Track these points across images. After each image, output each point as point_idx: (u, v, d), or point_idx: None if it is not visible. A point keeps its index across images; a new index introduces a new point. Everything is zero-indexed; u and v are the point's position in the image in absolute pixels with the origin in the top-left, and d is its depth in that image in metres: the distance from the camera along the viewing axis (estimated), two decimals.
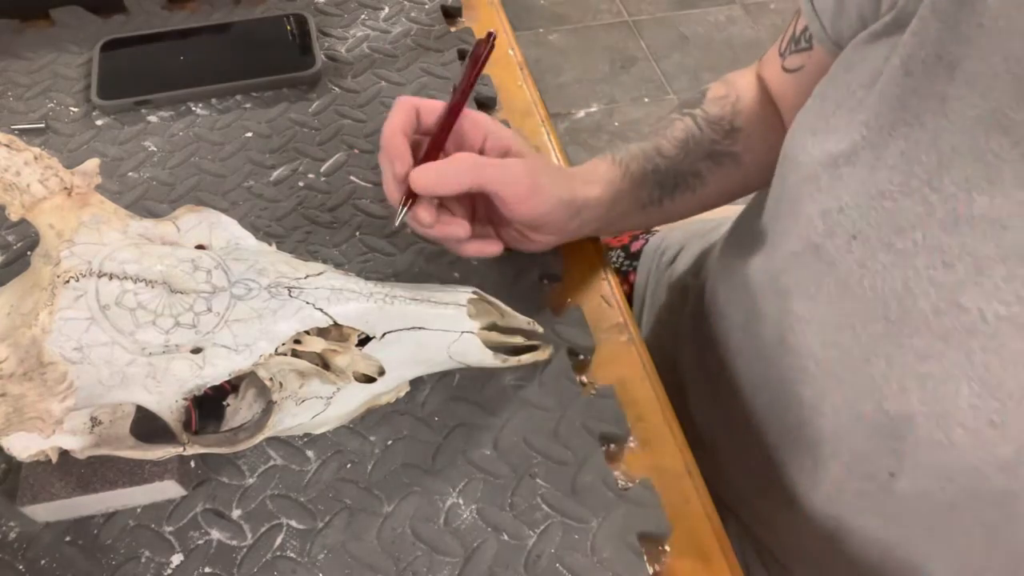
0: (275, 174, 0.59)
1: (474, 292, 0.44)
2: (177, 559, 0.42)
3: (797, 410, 0.50)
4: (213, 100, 0.64)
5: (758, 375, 0.54)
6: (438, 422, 0.47)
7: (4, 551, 0.42)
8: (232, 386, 0.44)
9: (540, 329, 0.47)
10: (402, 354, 0.43)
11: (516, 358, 0.45)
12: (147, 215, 0.52)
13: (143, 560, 0.42)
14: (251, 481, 0.44)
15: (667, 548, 0.43)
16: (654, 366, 0.51)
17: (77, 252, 0.38)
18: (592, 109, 1.91)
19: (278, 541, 0.43)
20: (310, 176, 0.59)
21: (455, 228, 0.46)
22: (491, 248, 0.49)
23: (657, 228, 0.79)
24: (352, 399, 0.44)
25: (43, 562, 0.42)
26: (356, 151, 0.61)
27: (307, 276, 0.41)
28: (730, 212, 0.65)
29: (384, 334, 0.42)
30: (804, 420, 0.49)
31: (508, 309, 0.45)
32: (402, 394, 0.47)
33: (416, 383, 0.47)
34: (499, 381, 0.48)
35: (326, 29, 0.69)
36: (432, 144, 0.47)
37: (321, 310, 0.40)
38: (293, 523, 0.43)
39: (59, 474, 0.41)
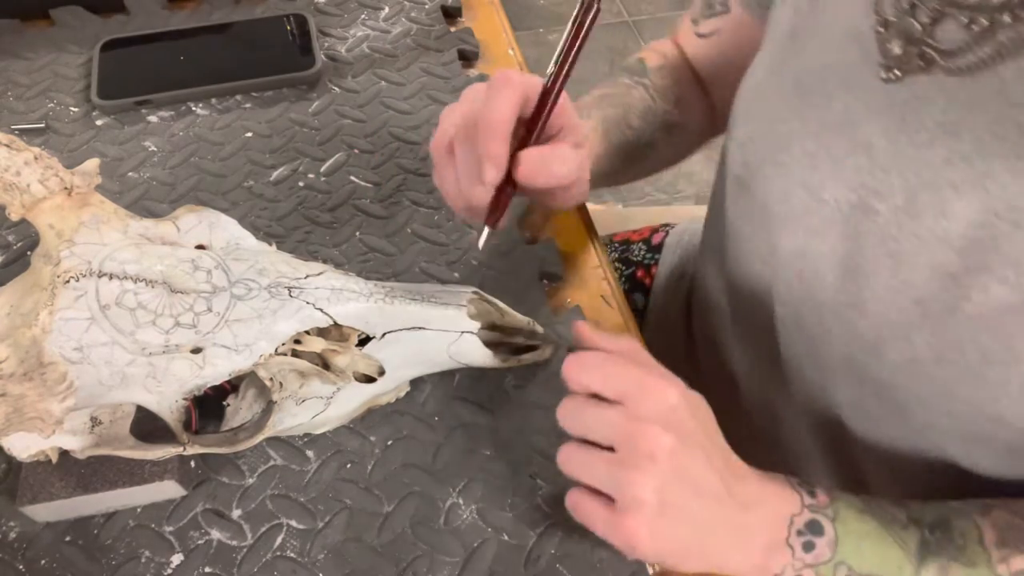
0: (275, 174, 0.59)
1: (474, 292, 0.44)
2: (177, 559, 0.42)
3: (768, 335, 0.53)
4: (213, 100, 0.64)
5: (717, 325, 0.59)
6: (438, 422, 0.47)
7: (4, 551, 0.42)
8: (232, 386, 0.44)
9: (540, 329, 0.47)
10: (402, 354, 0.43)
11: (516, 358, 0.45)
12: (147, 215, 0.52)
13: (143, 560, 0.42)
14: (251, 481, 0.44)
15: None
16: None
17: (77, 252, 0.38)
18: None
19: (278, 541, 0.43)
20: (310, 176, 0.59)
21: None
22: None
23: (675, 222, 0.80)
24: (352, 399, 0.44)
25: (43, 562, 0.42)
26: (356, 151, 0.61)
27: (307, 276, 0.41)
28: None
29: (384, 334, 0.42)
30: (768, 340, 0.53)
31: (508, 309, 0.45)
32: (402, 394, 0.47)
33: (416, 383, 0.47)
34: (499, 381, 0.48)
35: (326, 29, 0.69)
36: (529, 128, 0.42)
37: (321, 310, 0.40)
38: (293, 523, 0.43)
39: (59, 474, 0.41)
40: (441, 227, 0.56)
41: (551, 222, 0.58)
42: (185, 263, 0.39)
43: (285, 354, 0.40)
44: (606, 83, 0.60)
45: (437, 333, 0.43)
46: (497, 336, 0.45)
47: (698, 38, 0.60)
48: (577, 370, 0.37)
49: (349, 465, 0.45)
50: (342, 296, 0.40)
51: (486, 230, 0.43)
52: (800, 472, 0.56)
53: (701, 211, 0.62)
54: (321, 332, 0.41)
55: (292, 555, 0.42)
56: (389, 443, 0.46)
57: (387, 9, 0.71)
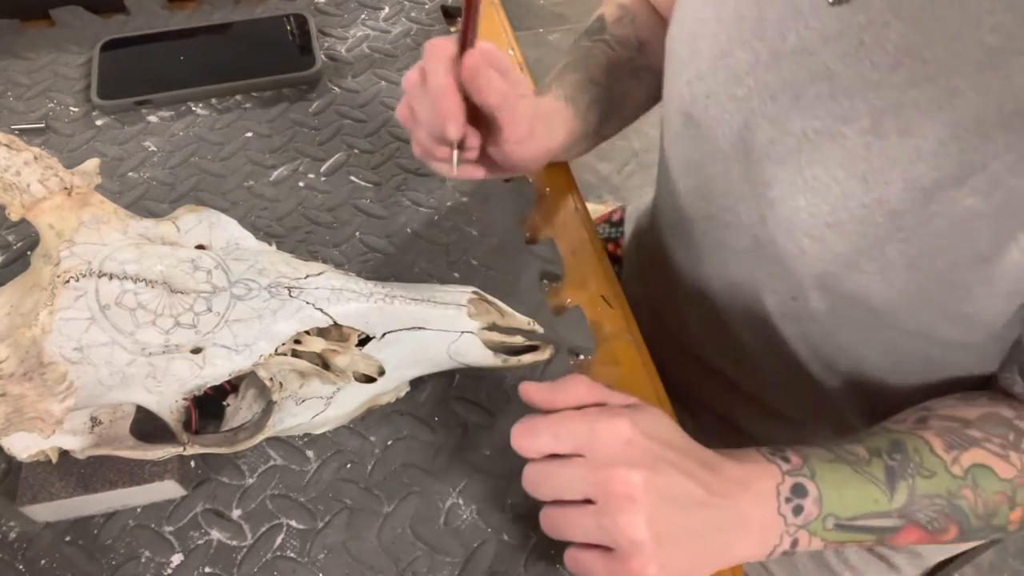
0: (275, 174, 0.59)
1: (474, 292, 0.44)
2: (177, 559, 0.42)
3: (705, 280, 0.56)
4: (213, 100, 0.64)
5: (670, 266, 0.61)
6: (438, 422, 0.47)
7: (4, 551, 0.42)
8: (232, 386, 0.44)
9: (540, 329, 0.47)
10: (402, 354, 0.43)
11: (516, 358, 0.45)
12: (147, 215, 0.52)
13: (143, 560, 0.42)
14: (251, 481, 0.44)
15: None
16: (654, 365, 0.51)
17: (77, 252, 0.38)
18: None
19: (278, 541, 0.43)
20: (310, 176, 0.59)
21: (476, 172, 0.50)
22: (476, 174, 0.51)
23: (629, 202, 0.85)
24: (352, 399, 0.44)
25: (43, 562, 0.42)
26: (356, 151, 0.61)
27: (307, 276, 0.41)
28: None
29: (384, 334, 0.42)
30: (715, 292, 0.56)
31: (508, 309, 0.45)
32: (402, 394, 0.47)
33: (416, 383, 0.47)
34: (499, 381, 0.48)
35: (326, 29, 0.69)
36: (461, 45, 0.44)
37: (321, 310, 0.40)
38: (293, 523, 0.43)
39: (59, 474, 0.41)
40: (441, 227, 0.56)
41: (551, 222, 0.58)
42: (185, 263, 0.39)
43: (285, 354, 0.40)
44: (567, 51, 0.61)
45: (437, 333, 0.43)
46: (497, 336, 0.45)
47: None
48: (528, 439, 0.37)
49: (349, 465, 0.45)
50: (342, 296, 0.40)
51: (455, 152, 0.46)
52: (768, 394, 0.59)
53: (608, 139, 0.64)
54: (321, 332, 0.41)
55: (292, 555, 0.42)
56: (389, 443, 0.46)
57: (387, 9, 0.71)
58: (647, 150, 1.75)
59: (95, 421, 0.41)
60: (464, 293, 0.44)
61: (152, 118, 0.63)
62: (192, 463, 0.44)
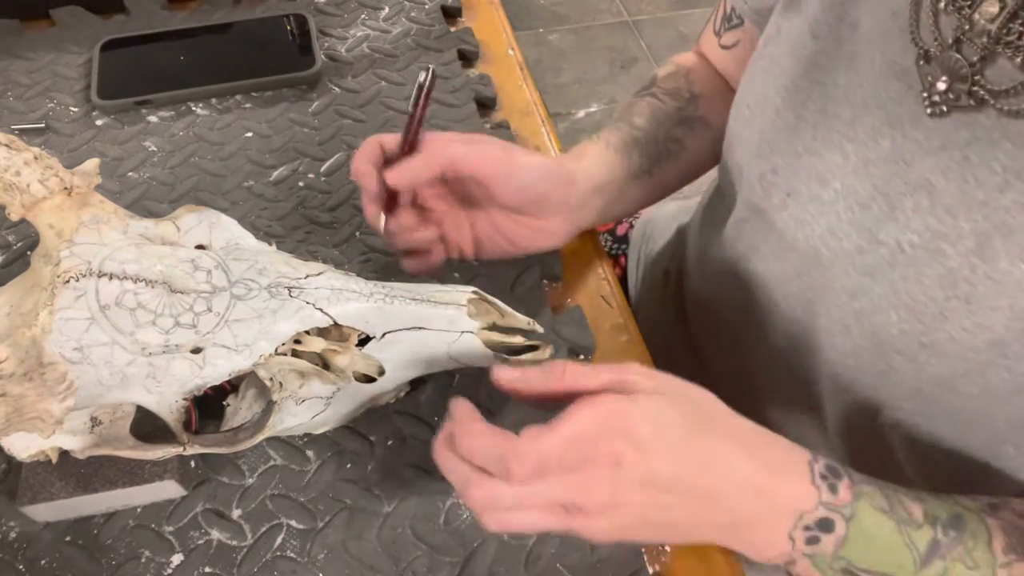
0: (275, 174, 0.59)
1: (474, 292, 0.44)
2: (177, 559, 0.42)
3: (784, 370, 0.52)
4: (213, 100, 0.64)
5: (735, 342, 0.57)
6: (438, 422, 0.47)
7: (4, 551, 0.42)
8: (232, 386, 0.44)
9: (540, 329, 0.47)
10: (402, 354, 0.43)
11: (516, 358, 0.45)
12: (147, 215, 0.52)
13: (143, 560, 0.42)
14: (251, 481, 0.44)
15: (667, 548, 0.43)
16: (653, 365, 0.51)
17: (77, 252, 0.38)
18: (592, 109, 1.91)
19: (278, 541, 0.43)
20: (310, 176, 0.59)
21: (426, 234, 0.50)
22: (433, 262, 0.52)
23: (640, 213, 0.81)
24: (352, 399, 0.44)
25: (43, 562, 0.42)
26: (356, 151, 0.60)
27: (307, 276, 0.41)
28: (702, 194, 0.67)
29: (384, 334, 0.42)
30: (793, 379, 0.52)
31: (508, 309, 0.45)
32: (402, 394, 0.47)
33: (416, 383, 0.47)
34: None
35: (326, 29, 0.69)
36: (404, 149, 0.47)
37: (321, 310, 0.40)
38: (293, 523, 0.43)
39: (59, 474, 0.41)
40: None
41: None
42: (185, 263, 0.39)
43: (285, 354, 0.40)
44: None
45: (437, 333, 0.43)
46: (497, 336, 0.45)
47: (722, 50, 0.60)
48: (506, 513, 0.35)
49: (349, 465, 0.45)
50: (342, 296, 0.40)
51: (383, 216, 0.48)
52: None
53: (675, 192, 0.62)
54: (321, 332, 0.41)
55: (292, 555, 0.42)
56: (389, 443, 0.46)
57: (387, 9, 0.71)
58: None
59: (95, 421, 0.41)
60: (464, 293, 0.44)
61: (152, 118, 0.63)
62: (192, 463, 0.44)
